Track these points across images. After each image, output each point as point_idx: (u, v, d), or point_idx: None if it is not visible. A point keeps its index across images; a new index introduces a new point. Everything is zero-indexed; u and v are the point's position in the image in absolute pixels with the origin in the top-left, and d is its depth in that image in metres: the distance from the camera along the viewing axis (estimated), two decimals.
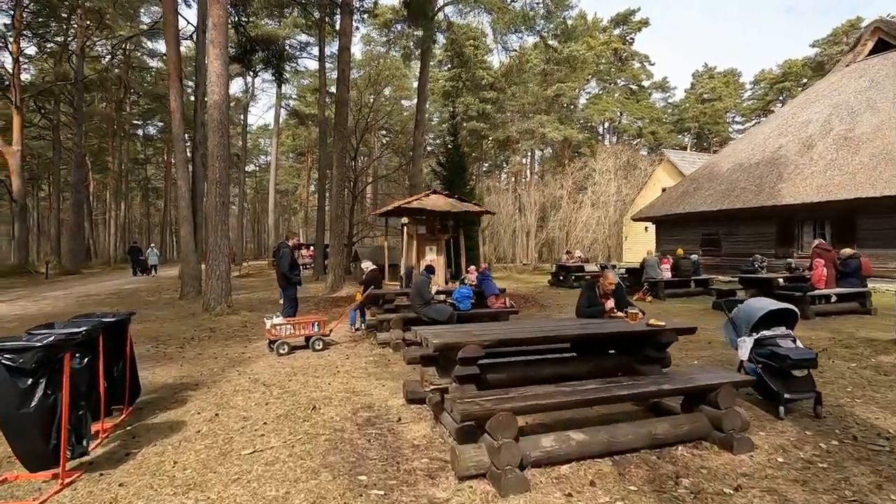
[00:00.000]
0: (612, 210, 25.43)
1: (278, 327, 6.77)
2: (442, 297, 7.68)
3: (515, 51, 16.87)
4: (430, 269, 7.42)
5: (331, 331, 7.31)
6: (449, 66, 38.54)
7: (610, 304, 4.59)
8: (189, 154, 15.17)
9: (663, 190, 27.91)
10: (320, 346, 6.93)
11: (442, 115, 40.14)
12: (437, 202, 10.81)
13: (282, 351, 6.62)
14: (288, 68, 28.78)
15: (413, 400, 4.43)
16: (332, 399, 4.75)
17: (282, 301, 8.82)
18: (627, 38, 46.58)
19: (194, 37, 19.82)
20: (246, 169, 49.03)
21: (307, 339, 6.97)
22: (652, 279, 12.71)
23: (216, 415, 4.32)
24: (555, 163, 41.63)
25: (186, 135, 16.83)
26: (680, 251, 13.56)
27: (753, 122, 55.33)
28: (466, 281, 8.36)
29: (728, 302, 4.73)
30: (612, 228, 25.47)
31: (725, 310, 4.67)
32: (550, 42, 17.13)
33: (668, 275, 13.15)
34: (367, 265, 8.28)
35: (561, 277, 16.84)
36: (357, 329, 8.56)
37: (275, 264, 8.52)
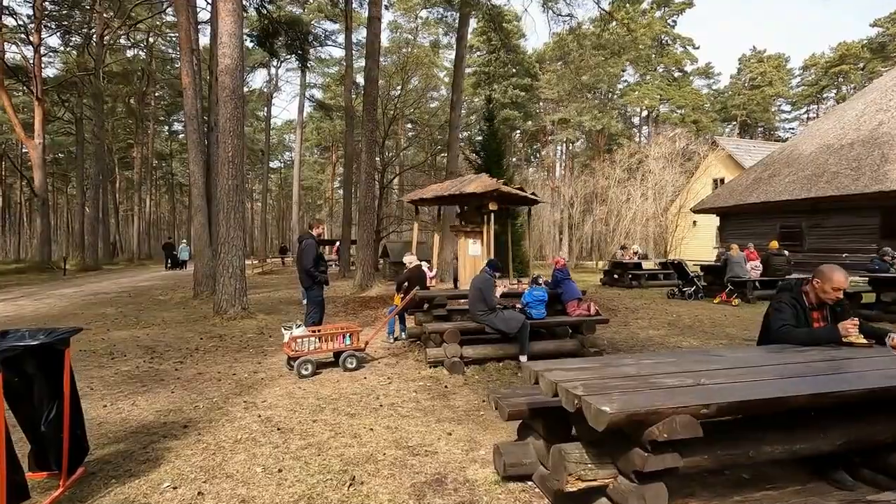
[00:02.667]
0: (662, 201, 23.14)
1: (299, 341, 5.19)
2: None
3: (570, 15, 14.95)
4: (494, 265, 5.67)
5: (366, 344, 5.68)
6: (479, 52, 36.71)
7: (851, 325, 2.73)
8: (205, 137, 13.82)
9: (715, 181, 25.48)
10: (353, 365, 5.33)
11: (471, 105, 38.20)
12: (486, 182, 9.05)
13: (304, 371, 5.03)
14: (312, 54, 27.47)
15: (512, 477, 2.74)
16: (379, 461, 3.11)
17: (304, 302, 7.31)
18: (669, 20, 43.62)
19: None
20: (270, 165, 48.17)
21: (336, 354, 5.38)
22: (738, 278, 10.72)
23: (199, 493, 2.72)
24: (591, 153, 39.22)
25: (207, 123, 15.59)
26: (774, 244, 11.50)
27: (804, 110, 51.54)
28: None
29: None
30: (664, 221, 23.19)
31: None
32: (604, 8, 15.09)
33: (754, 273, 11.14)
34: (411, 260, 6.62)
35: (616, 276, 15.01)
36: (396, 339, 6.94)
37: (296, 259, 6.98)
